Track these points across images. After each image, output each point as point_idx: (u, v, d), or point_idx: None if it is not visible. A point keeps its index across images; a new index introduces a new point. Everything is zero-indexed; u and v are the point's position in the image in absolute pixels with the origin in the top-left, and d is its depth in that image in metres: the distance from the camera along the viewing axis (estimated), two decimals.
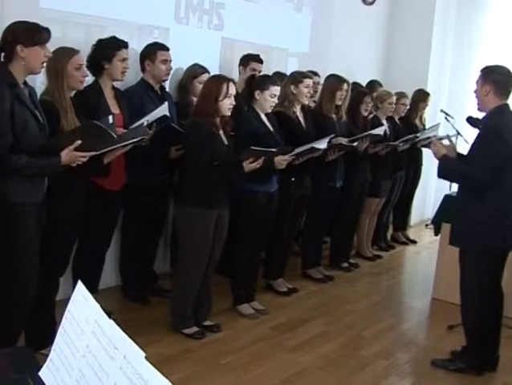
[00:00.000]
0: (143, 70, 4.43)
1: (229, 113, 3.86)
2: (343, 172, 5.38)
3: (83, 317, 1.42)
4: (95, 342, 1.35)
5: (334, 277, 5.57)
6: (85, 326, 1.40)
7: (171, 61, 4.45)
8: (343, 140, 5.02)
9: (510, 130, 3.59)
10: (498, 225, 3.63)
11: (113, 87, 4.07)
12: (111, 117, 3.22)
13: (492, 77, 3.61)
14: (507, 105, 3.68)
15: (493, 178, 3.51)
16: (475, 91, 3.71)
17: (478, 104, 3.72)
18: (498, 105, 3.63)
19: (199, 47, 5.11)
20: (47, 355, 1.53)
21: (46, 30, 3.03)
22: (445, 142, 4.26)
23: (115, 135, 3.19)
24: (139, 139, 3.57)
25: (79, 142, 3.03)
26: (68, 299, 1.52)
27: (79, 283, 1.50)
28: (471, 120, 4.07)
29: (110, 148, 3.29)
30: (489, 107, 3.65)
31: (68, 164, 3.06)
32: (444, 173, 3.83)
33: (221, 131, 3.89)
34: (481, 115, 3.79)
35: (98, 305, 1.40)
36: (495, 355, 3.88)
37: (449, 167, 3.77)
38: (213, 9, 5.29)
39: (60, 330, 1.51)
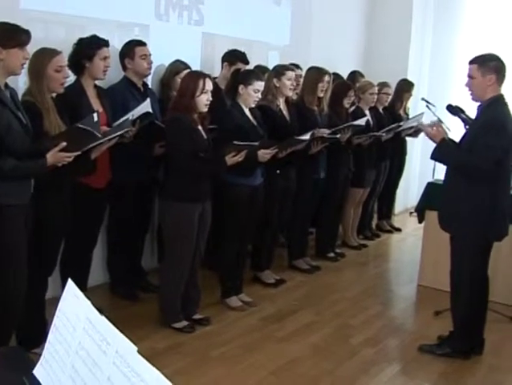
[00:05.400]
0: (124, 68, 4.43)
1: (205, 109, 3.88)
2: (325, 164, 5.42)
3: (74, 314, 1.44)
4: (87, 338, 1.37)
5: (320, 267, 5.61)
6: (76, 323, 1.43)
7: (150, 55, 4.46)
8: (325, 132, 5.06)
9: (510, 120, 3.59)
10: (491, 213, 3.63)
11: (95, 86, 4.07)
12: (95, 115, 3.23)
13: (493, 65, 3.59)
14: (503, 95, 3.65)
15: (495, 168, 3.52)
16: (467, 84, 3.65)
17: (474, 95, 3.66)
18: (496, 95, 3.61)
19: (180, 43, 5.12)
20: (40, 354, 1.54)
21: (26, 32, 3.02)
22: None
23: (99, 135, 3.22)
24: (123, 131, 3.60)
25: (64, 144, 3.05)
26: (57, 298, 1.53)
27: (69, 281, 1.52)
28: (451, 108, 4.11)
29: (94, 144, 3.32)
30: (488, 96, 3.61)
31: (54, 165, 3.07)
32: (440, 156, 3.78)
33: (199, 126, 3.92)
34: (465, 104, 3.77)
35: (88, 302, 1.42)
36: (481, 339, 3.93)
37: (449, 151, 3.73)
38: (193, 4, 5.30)
39: (52, 328, 1.53)
